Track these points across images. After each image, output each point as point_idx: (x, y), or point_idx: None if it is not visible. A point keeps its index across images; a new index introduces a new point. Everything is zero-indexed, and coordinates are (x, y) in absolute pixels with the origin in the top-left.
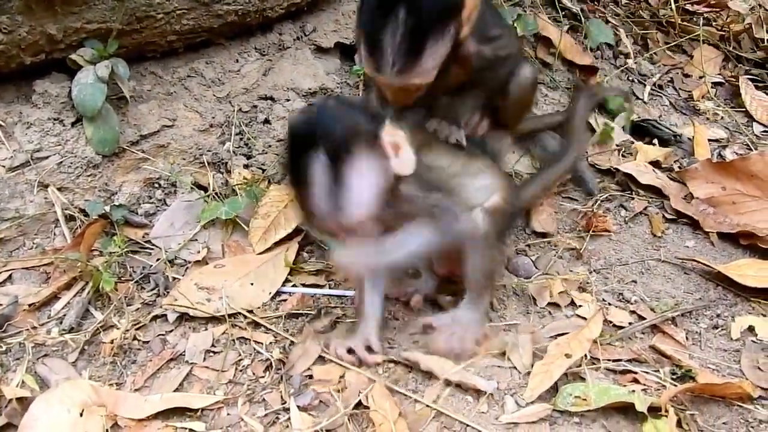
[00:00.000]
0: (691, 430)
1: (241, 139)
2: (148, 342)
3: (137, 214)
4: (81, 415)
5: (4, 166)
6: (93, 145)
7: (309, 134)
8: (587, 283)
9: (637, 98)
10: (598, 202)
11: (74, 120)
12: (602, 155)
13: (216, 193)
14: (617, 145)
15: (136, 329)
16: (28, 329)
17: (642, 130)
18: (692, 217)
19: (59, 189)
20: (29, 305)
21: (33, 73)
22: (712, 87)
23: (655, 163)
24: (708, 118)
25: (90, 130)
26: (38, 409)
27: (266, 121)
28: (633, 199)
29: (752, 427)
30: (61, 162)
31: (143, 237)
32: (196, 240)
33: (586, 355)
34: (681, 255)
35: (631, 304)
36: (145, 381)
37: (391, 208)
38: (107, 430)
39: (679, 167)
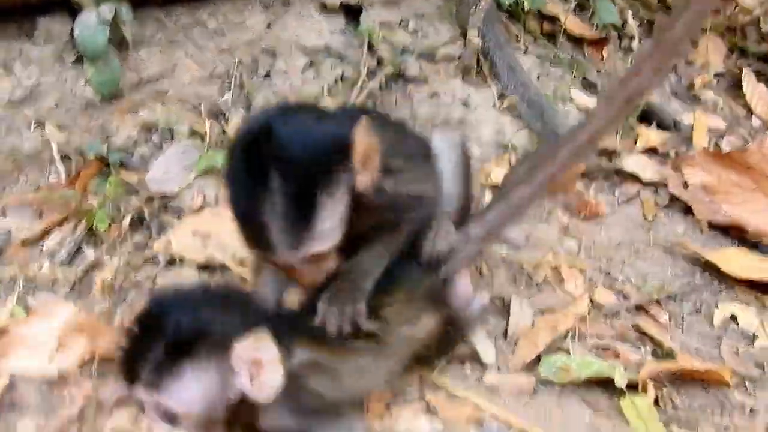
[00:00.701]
0: (668, 408)
1: (240, 91)
2: (138, 282)
3: (133, 157)
4: (58, 348)
5: (1, 101)
6: (92, 86)
7: (151, 323)
8: (576, 259)
9: None
10: (593, 183)
11: (74, 60)
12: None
13: (213, 142)
14: None
15: (128, 270)
16: (20, 263)
17: (642, 114)
18: (685, 203)
19: (56, 127)
20: (22, 240)
21: (36, 10)
22: (714, 77)
23: (653, 149)
24: (707, 108)
25: (90, 71)
26: (18, 334)
27: (267, 75)
28: (627, 181)
29: (727, 411)
30: (60, 101)
31: (138, 181)
32: (191, 187)
33: (571, 330)
34: (671, 240)
35: (618, 283)
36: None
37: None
38: (84, 361)
39: (676, 154)
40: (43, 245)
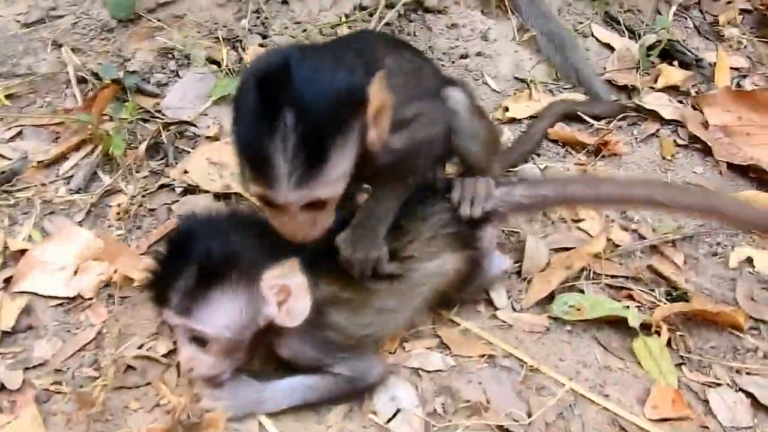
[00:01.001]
0: (680, 350)
1: (257, 17)
2: (154, 210)
3: (149, 82)
4: (75, 273)
5: (18, 22)
6: (109, 9)
7: (182, 248)
8: None
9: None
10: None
11: None
12: (620, 73)
13: (229, 69)
14: (637, 63)
15: (143, 196)
16: (36, 185)
17: (663, 51)
18: (705, 143)
19: (73, 50)
20: (38, 162)
21: None
22: (739, 13)
23: (674, 87)
24: (731, 46)
25: None
26: (37, 256)
27: (284, 2)
28: (646, 120)
29: (739, 354)
30: (76, 23)
31: (154, 106)
32: (207, 114)
33: (585, 268)
34: (688, 180)
35: (634, 223)
36: (149, 247)
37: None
38: (102, 284)
39: (697, 92)
40: (59, 169)
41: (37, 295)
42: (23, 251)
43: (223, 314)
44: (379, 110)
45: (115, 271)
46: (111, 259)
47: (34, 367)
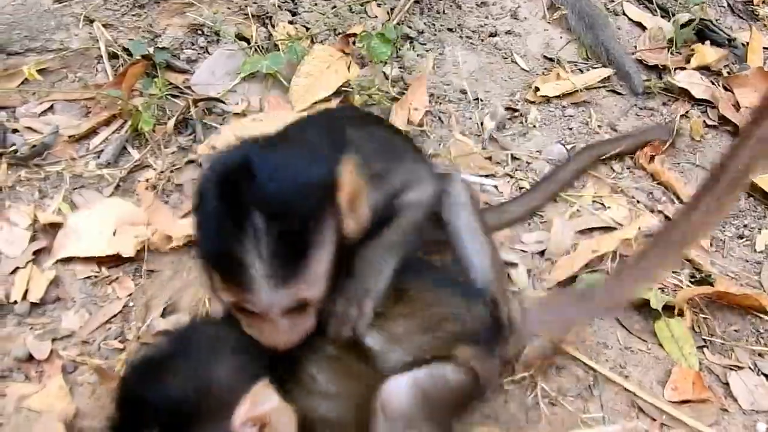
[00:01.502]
0: (702, 332)
1: None
2: (181, 185)
3: (179, 59)
4: (114, 234)
5: None
6: None
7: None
8: (619, 178)
9: None
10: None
11: None
12: (651, 52)
13: (258, 46)
14: (668, 43)
15: (171, 172)
16: (66, 159)
17: (696, 31)
18: (735, 125)
19: (104, 25)
20: (69, 137)
21: None
22: None
23: (706, 67)
24: (765, 24)
25: None
26: (73, 225)
27: None
28: (677, 100)
29: (762, 338)
30: None
31: (183, 82)
32: (236, 91)
33: (611, 253)
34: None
35: (661, 204)
36: (177, 222)
37: None
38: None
39: (729, 72)
40: (89, 144)
41: (72, 262)
42: (53, 224)
43: None
44: (352, 195)
45: (153, 233)
46: (150, 218)
47: (62, 338)
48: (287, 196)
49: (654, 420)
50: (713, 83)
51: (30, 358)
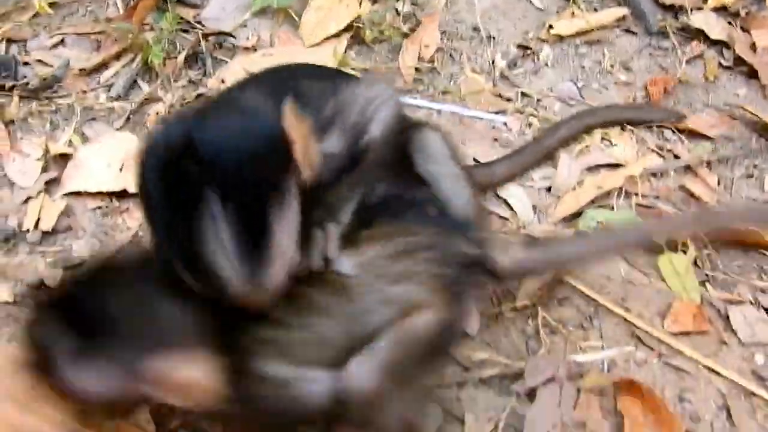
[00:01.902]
0: (705, 268)
1: None
2: None
3: None
4: (121, 170)
5: None
6: None
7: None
8: None
9: None
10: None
11: None
12: None
13: None
14: None
15: (181, 105)
16: (77, 92)
17: None
18: (751, 66)
19: None
20: (80, 70)
21: None
22: None
23: (723, 7)
24: None
25: None
26: (82, 159)
27: None
28: (692, 41)
29: (765, 273)
30: None
31: (194, 17)
32: (246, 26)
33: (618, 189)
34: (730, 102)
35: (669, 142)
36: None
37: None
38: None
39: (746, 13)
40: (99, 77)
41: (82, 194)
42: (63, 155)
43: None
44: (303, 143)
45: None
46: None
47: (73, 266)
48: (239, 168)
49: (653, 350)
50: (730, 24)
51: (42, 284)
